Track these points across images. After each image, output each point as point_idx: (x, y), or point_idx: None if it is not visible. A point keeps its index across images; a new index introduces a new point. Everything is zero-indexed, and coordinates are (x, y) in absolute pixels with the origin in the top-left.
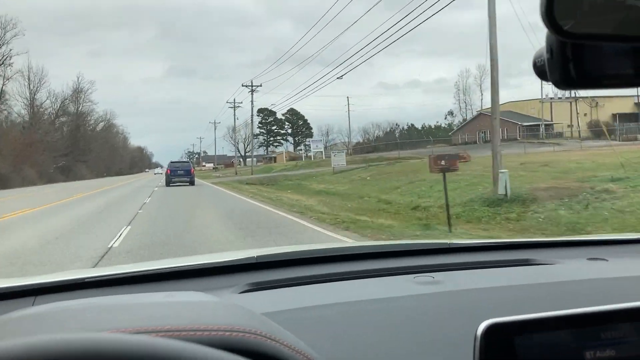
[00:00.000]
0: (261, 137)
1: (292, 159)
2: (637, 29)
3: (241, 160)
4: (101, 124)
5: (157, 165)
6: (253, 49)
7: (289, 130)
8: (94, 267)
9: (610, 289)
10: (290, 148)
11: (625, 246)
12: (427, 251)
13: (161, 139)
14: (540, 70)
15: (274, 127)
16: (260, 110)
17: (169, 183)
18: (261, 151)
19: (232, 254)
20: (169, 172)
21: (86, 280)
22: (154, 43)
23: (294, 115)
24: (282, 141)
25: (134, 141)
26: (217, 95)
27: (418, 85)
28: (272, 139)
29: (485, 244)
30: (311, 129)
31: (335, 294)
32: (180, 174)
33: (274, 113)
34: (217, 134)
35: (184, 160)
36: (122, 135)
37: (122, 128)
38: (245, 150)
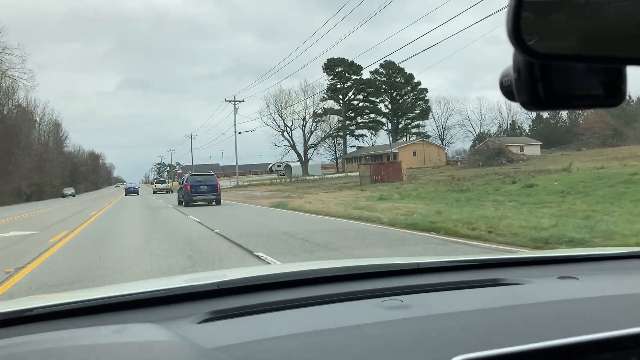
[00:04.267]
0: (332, 120)
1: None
2: (607, 49)
3: (283, 167)
4: None
5: (118, 181)
6: (211, 62)
7: (383, 106)
8: None
9: (582, 311)
10: (381, 141)
11: (595, 263)
12: (395, 272)
13: (122, 155)
14: (507, 91)
15: (359, 97)
16: (329, 65)
17: (188, 202)
18: (323, 150)
19: (194, 278)
20: (189, 187)
21: (34, 312)
22: (109, 55)
23: (393, 74)
24: (373, 126)
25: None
26: (176, 110)
27: None
28: (351, 122)
29: (455, 264)
30: (427, 101)
31: (300, 321)
32: (204, 189)
33: (359, 69)
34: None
35: (207, 172)
36: (44, 117)
37: (38, 102)
38: (306, 146)
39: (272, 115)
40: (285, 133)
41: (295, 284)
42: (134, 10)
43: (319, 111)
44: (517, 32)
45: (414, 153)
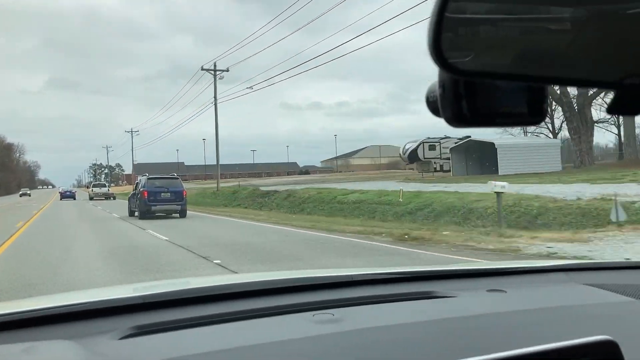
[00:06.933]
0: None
1: None
2: (530, 68)
3: (438, 150)
4: None
5: (44, 183)
6: (146, 64)
7: None
8: None
9: (509, 324)
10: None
11: (522, 276)
12: (328, 285)
13: (50, 158)
14: (433, 107)
15: None
16: None
17: (145, 214)
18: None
19: (117, 291)
20: (146, 195)
21: None
22: (35, 53)
23: None
24: None
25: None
26: (108, 112)
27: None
28: None
29: (388, 276)
30: None
31: (227, 337)
32: (167, 197)
33: None
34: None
35: (170, 175)
36: None
37: None
38: None
39: None
40: None
41: (226, 297)
42: (63, 6)
43: None
44: (437, 47)
45: None
